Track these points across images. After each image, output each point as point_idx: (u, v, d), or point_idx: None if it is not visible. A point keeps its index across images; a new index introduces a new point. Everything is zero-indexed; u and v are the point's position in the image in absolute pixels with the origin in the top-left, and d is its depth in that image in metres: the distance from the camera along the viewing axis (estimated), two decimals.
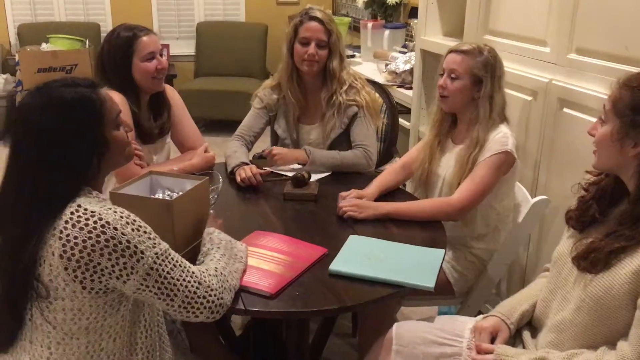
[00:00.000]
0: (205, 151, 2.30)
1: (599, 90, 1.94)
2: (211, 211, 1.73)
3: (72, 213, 1.22)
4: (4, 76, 5.23)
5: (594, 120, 1.92)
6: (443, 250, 1.69)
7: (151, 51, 2.12)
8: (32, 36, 5.40)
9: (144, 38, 2.11)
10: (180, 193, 1.68)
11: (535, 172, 2.22)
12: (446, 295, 2.09)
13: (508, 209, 2.08)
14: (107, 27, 5.72)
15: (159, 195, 1.71)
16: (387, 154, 2.74)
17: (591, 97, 1.96)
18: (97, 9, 5.79)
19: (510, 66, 2.34)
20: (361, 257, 1.63)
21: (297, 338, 1.75)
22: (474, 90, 1.98)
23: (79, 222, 1.21)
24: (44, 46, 5.18)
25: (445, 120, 2.09)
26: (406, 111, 3.36)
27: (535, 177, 2.23)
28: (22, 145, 1.26)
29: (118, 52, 2.11)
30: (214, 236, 1.52)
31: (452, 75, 1.98)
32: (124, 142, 1.36)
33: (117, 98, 2.03)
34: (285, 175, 2.24)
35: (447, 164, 2.07)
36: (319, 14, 2.33)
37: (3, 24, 5.61)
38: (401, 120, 2.97)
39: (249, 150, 2.46)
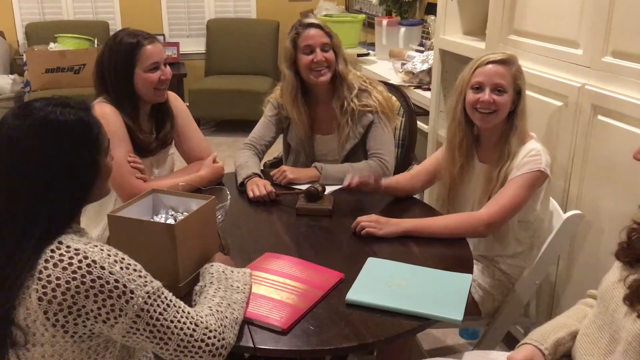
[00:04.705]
0: (214, 161, 2.17)
1: (637, 96, 1.78)
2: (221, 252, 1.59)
3: (52, 251, 1.10)
4: (12, 77, 5.14)
5: (633, 129, 1.79)
6: (470, 276, 1.55)
7: (155, 61, 1.99)
8: (40, 35, 5.30)
9: (149, 47, 1.98)
10: (185, 213, 1.57)
11: (566, 184, 2.07)
12: (472, 315, 1.94)
13: (542, 226, 1.93)
14: (116, 25, 5.63)
15: (162, 216, 1.59)
16: (405, 160, 2.60)
17: (629, 104, 1.80)
18: (106, 7, 5.68)
19: (538, 69, 2.19)
20: (381, 284, 1.49)
21: None
22: (513, 103, 1.85)
23: (61, 261, 1.08)
24: (52, 46, 5.08)
25: (469, 137, 1.94)
26: (423, 113, 3.21)
27: (566, 189, 2.07)
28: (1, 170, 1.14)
29: (120, 59, 1.98)
30: (205, 271, 1.41)
31: (499, 89, 1.82)
32: (110, 171, 1.27)
33: (108, 111, 1.93)
34: (298, 188, 2.11)
35: (476, 183, 1.93)
36: (313, 20, 2.23)
37: (11, 23, 5.52)
38: (419, 123, 2.83)
39: (261, 159, 2.33)
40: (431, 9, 4.13)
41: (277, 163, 2.69)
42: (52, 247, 1.11)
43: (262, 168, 2.27)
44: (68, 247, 1.11)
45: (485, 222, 1.80)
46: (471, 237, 1.85)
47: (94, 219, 2.00)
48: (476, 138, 1.96)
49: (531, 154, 1.80)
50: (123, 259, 1.15)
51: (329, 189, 2.08)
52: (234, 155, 2.29)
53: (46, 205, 1.13)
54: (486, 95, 1.82)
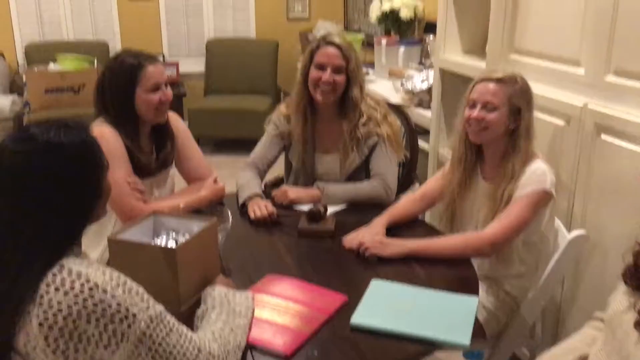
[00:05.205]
0: (215, 182, 2.15)
1: None
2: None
3: (54, 275, 1.07)
4: (11, 97, 5.13)
5: (637, 148, 1.78)
6: (476, 299, 1.53)
7: (157, 82, 1.98)
8: (40, 55, 5.30)
9: (150, 67, 1.97)
10: (187, 235, 1.54)
11: (570, 203, 2.05)
12: (476, 337, 1.90)
13: (547, 246, 1.91)
14: (116, 45, 5.65)
15: (163, 237, 1.56)
16: (406, 180, 2.59)
17: (633, 123, 1.79)
18: (106, 28, 5.71)
19: (540, 88, 2.18)
20: (386, 307, 1.47)
21: None
22: (510, 121, 1.83)
23: (63, 285, 1.06)
24: (52, 66, 5.09)
25: (471, 153, 1.93)
26: (423, 132, 3.20)
27: (570, 208, 2.06)
28: (2, 197, 1.12)
29: (121, 80, 1.97)
30: (207, 295, 1.38)
31: (489, 107, 1.83)
32: (110, 191, 1.26)
33: (107, 132, 1.91)
34: (300, 209, 2.09)
35: (479, 202, 1.91)
36: (336, 40, 2.19)
37: (11, 44, 5.53)
38: (419, 142, 2.82)
39: (262, 178, 2.31)
40: (430, 29, 4.14)
41: (277, 182, 2.67)
42: (54, 270, 1.09)
43: (263, 188, 2.26)
44: (70, 270, 1.09)
45: (490, 242, 1.78)
46: (475, 258, 1.83)
47: (93, 241, 1.97)
48: (479, 155, 1.95)
49: (536, 173, 1.79)
50: (125, 282, 1.13)
51: (331, 209, 2.06)
52: (234, 175, 2.27)
53: (50, 228, 1.12)
54: (475, 112, 1.83)
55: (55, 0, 5.55)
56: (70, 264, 1.11)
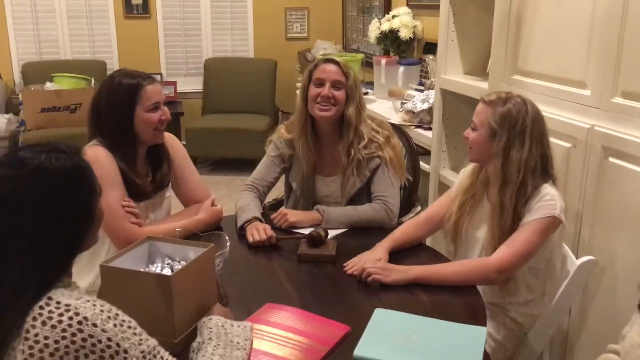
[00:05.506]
0: (212, 204, 2.09)
1: None
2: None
3: (41, 307, 1.02)
4: (7, 116, 5.10)
5: None
6: (485, 329, 1.46)
7: (156, 101, 1.94)
8: (37, 75, 5.27)
9: (149, 87, 1.92)
10: (183, 262, 1.49)
11: (577, 228, 2.00)
12: None
13: (554, 272, 1.85)
14: (113, 64, 5.62)
15: (158, 265, 1.50)
16: (408, 202, 2.53)
17: None
18: (104, 47, 5.69)
19: (544, 110, 2.12)
20: (390, 338, 1.40)
21: None
22: (493, 144, 1.79)
23: (50, 318, 1.00)
24: (48, 85, 5.05)
25: (481, 175, 1.89)
26: (424, 152, 3.16)
27: (577, 232, 2.00)
28: None
29: (118, 99, 1.92)
30: (204, 325, 1.32)
31: (472, 126, 1.84)
32: (103, 216, 1.21)
33: (102, 154, 1.86)
34: (299, 232, 2.03)
35: (486, 225, 1.86)
36: (335, 58, 2.18)
37: (7, 63, 5.50)
38: (420, 163, 2.78)
39: (263, 201, 2.26)
40: (429, 49, 4.13)
41: (277, 205, 2.62)
42: (41, 303, 1.03)
43: (262, 211, 2.20)
44: (58, 303, 1.03)
45: (497, 269, 1.72)
46: (482, 285, 1.77)
47: (86, 266, 1.91)
48: (485, 178, 1.90)
49: (545, 198, 1.74)
50: (117, 315, 1.07)
51: (331, 233, 2.00)
52: (232, 195, 2.22)
53: (39, 258, 1.07)
54: (467, 130, 1.86)
55: (53, 20, 5.53)
56: (59, 295, 1.05)
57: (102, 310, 1.04)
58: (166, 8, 5.73)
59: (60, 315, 1.01)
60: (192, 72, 5.93)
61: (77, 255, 1.15)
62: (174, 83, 5.69)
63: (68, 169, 1.11)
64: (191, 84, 5.90)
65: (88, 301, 1.05)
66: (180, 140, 5.73)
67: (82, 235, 1.15)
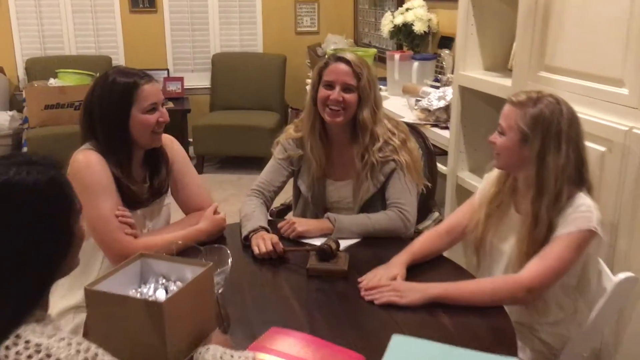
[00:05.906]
0: (215, 212, 1.94)
1: None
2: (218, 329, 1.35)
3: (7, 348, 0.88)
4: (10, 113, 4.99)
5: None
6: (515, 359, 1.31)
7: (154, 102, 1.79)
8: (41, 71, 5.15)
9: (146, 86, 1.77)
10: (179, 283, 1.34)
11: (613, 240, 1.83)
12: None
13: (588, 289, 1.69)
14: (119, 60, 5.50)
15: (151, 285, 1.35)
16: (424, 207, 2.37)
17: None
18: (109, 42, 5.55)
19: (576, 110, 1.96)
20: None
21: None
22: (525, 149, 1.62)
23: None
24: (52, 81, 4.93)
25: (508, 182, 1.73)
26: (441, 153, 2.99)
27: (613, 245, 1.83)
28: None
29: (113, 99, 1.77)
30: (200, 357, 1.19)
31: (499, 130, 1.68)
32: (84, 237, 1.08)
33: (94, 160, 1.72)
34: (308, 243, 1.88)
35: (513, 237, 1.70)
36: (347, 56, 2.01)
37: (11, 59, 5.38)
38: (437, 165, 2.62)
39: (269, 207, 2.11)
40: (445, 43, 3.95)
41: (284, 210, 2.47)
42: (7, 342, 0.89)
43: (270, 217, 2.05)
44: (27, 342, 0.89)
45: (526, 287, 1.56)
46: (510, 304, 1.61)
47: (76, 283, 1.75)
48: (512, 186, 1.74)
49: (581, 209, 1.57)
50: (96, 355, 0.93)
51: (343, 244, 1.85)
52: (239, 194, 2.07)
53: (8, 288, 0.93)
54: (493, 135, 1.70)
55: (57, 14, 5.40)
56: (29, 333, 0.91)
57: (78, 351, 0.90)
58: (173, 2, 5.59)
59: (29, 357, 0.88)
60: (199, 67, 5.79)
61: (52, 283, 1.01)
62: (181, 79, 5.55)
63: (40, 184, 0.97)
64: (198, 79, 5.76)
65: (62, 339, 0.91)
66: (187, 137, 5.57)
67: (59, 259, 1.01)
